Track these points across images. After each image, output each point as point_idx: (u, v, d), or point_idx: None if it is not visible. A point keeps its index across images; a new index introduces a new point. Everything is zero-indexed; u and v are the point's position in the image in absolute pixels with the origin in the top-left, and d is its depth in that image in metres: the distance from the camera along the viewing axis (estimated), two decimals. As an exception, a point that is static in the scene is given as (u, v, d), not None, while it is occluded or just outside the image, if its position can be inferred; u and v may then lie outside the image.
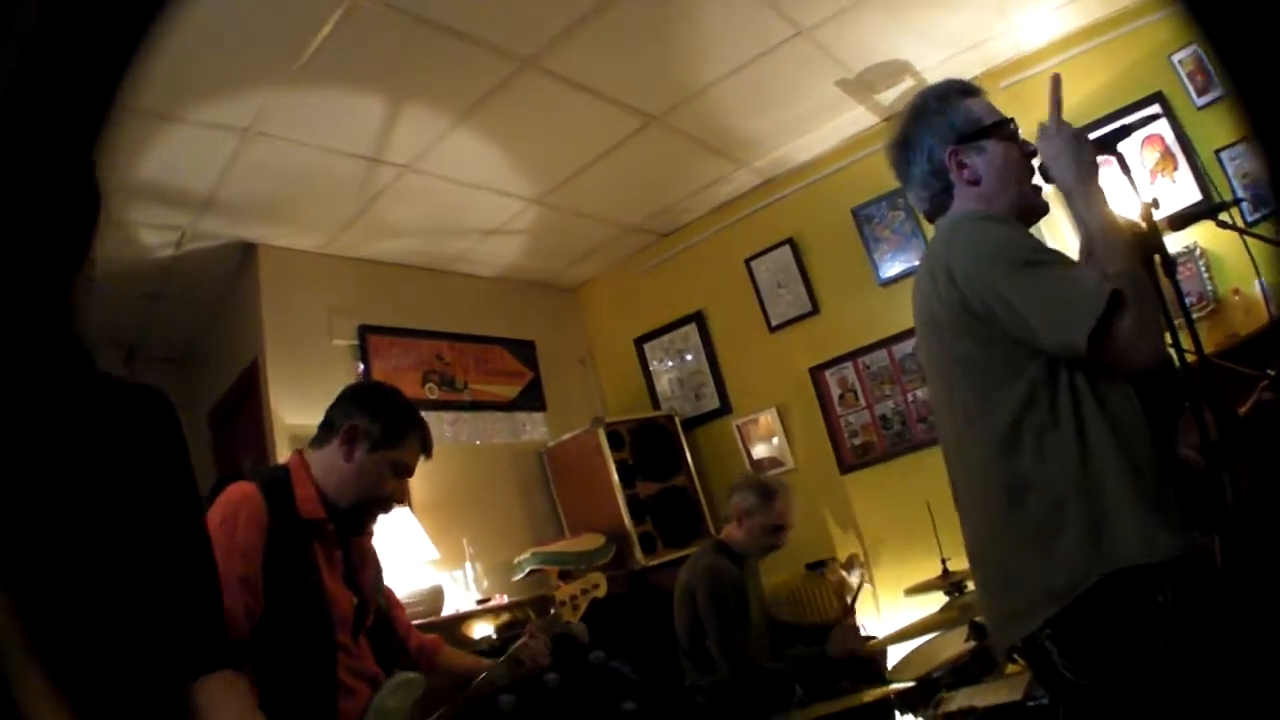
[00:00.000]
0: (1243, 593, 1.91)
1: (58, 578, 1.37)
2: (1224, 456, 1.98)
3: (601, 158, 6.03)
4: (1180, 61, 5.42)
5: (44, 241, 1.35)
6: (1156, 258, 2.11)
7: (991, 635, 2.50)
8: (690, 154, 6.39)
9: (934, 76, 5.45)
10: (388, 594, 3.28)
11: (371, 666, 2.90)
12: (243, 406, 5.96)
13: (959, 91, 2.47)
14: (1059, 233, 5.36)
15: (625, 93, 5.38)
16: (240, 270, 5.99)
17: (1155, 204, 2.17)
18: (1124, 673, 1.94)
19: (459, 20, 4.33)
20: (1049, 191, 2.39)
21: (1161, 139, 5.50)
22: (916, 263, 6.06)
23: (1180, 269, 2.16)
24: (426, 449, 3.13)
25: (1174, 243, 5.01)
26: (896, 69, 5.77)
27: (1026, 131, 2.41)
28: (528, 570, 6.04)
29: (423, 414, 3.21)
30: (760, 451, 7.16)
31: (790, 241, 7.06)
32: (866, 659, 4.67)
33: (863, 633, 4.73)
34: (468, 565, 6.02)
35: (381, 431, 2.97)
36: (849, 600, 4.78)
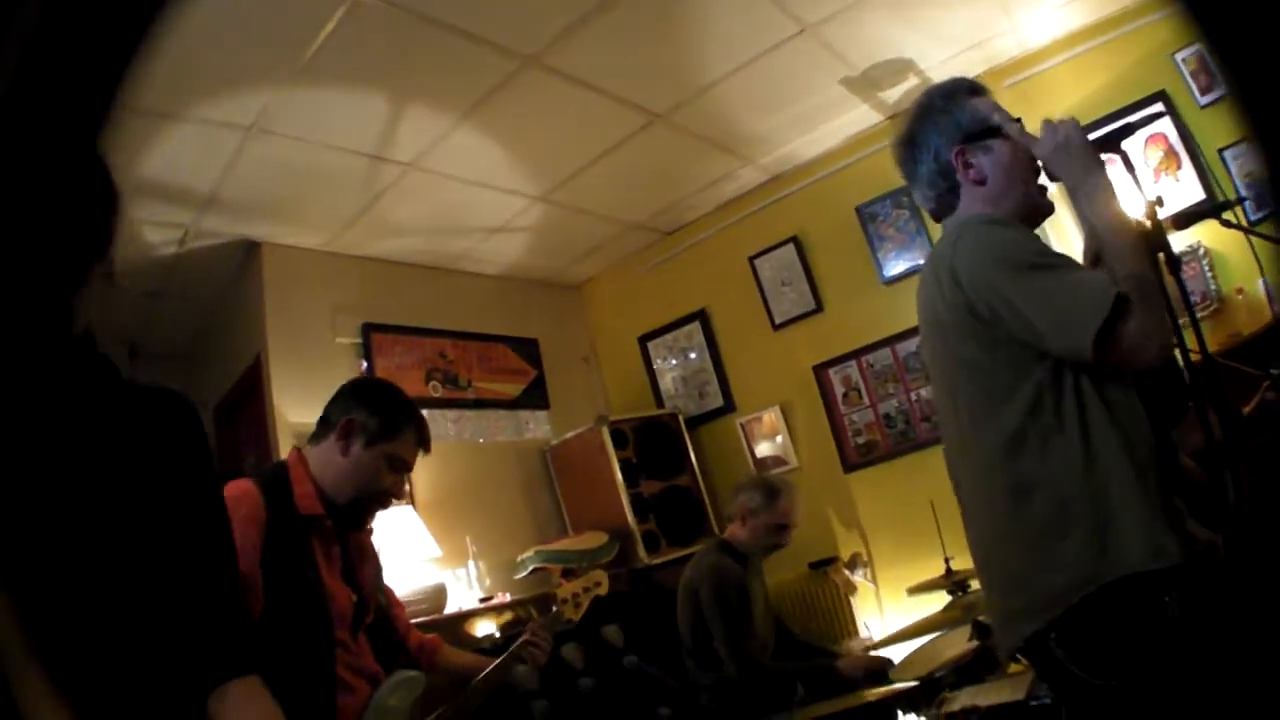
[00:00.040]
0: (1247, 592, 1.91)
1: (81, 582, 1.37)
2: (1228, 456, 1.98)
3: (605, 155, 6.02)
4: (1183, 60, 5.41)
5: (60, 242, 1.34)
6: (1161, 256, 2.11)
7: (996, 635, 2.49)
8: (694, 152, 6.38)
9: (938, 75, 5.45)
10: (387, 592, 3.28)
11: (371, 664, 2.90)
12: (246, 404, 5.96)
13: (966, 90, 2.47)
14: (1064, 233, 5.36)
15: (629, 90, 5.37)
16: (243, 268, 5.99)
17: (1160, 202, 2.17)
18: (1131, 672, 1.94)
19: (462, 18, 4.32)
20: (1053, 191, 2.39)
21: (1165, 138, 5.49)
22: (920, 261, 6.06)
23: (1184, 268, 2.16)
24: (424, 443, 3.13)
25: (1178, 242, 5.00)
26: (901, 67, 5.76)
27: (1032, 130, 2.40)
28: (531, 569, 6.04)
29: (426, 412, 3.21)
30: (764, 450, 7.15)
31: (794, 240, 7.05)
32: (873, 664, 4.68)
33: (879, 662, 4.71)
34: (471, 563, 6.02)
35: (378, 426, 2.97)
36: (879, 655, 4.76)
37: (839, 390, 6.82)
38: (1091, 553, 1.99)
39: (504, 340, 7.27)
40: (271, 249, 5.91)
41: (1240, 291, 5.19)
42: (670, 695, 4.59)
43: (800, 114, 6.20)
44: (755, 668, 4.54)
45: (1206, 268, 5.32)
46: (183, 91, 4.15)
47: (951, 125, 2.40)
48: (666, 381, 7.77)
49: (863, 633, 6.16)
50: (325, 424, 3.03)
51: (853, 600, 6.32)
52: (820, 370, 6.88)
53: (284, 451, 5.15)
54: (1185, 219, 2.68)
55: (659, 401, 7.74)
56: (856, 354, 6.74)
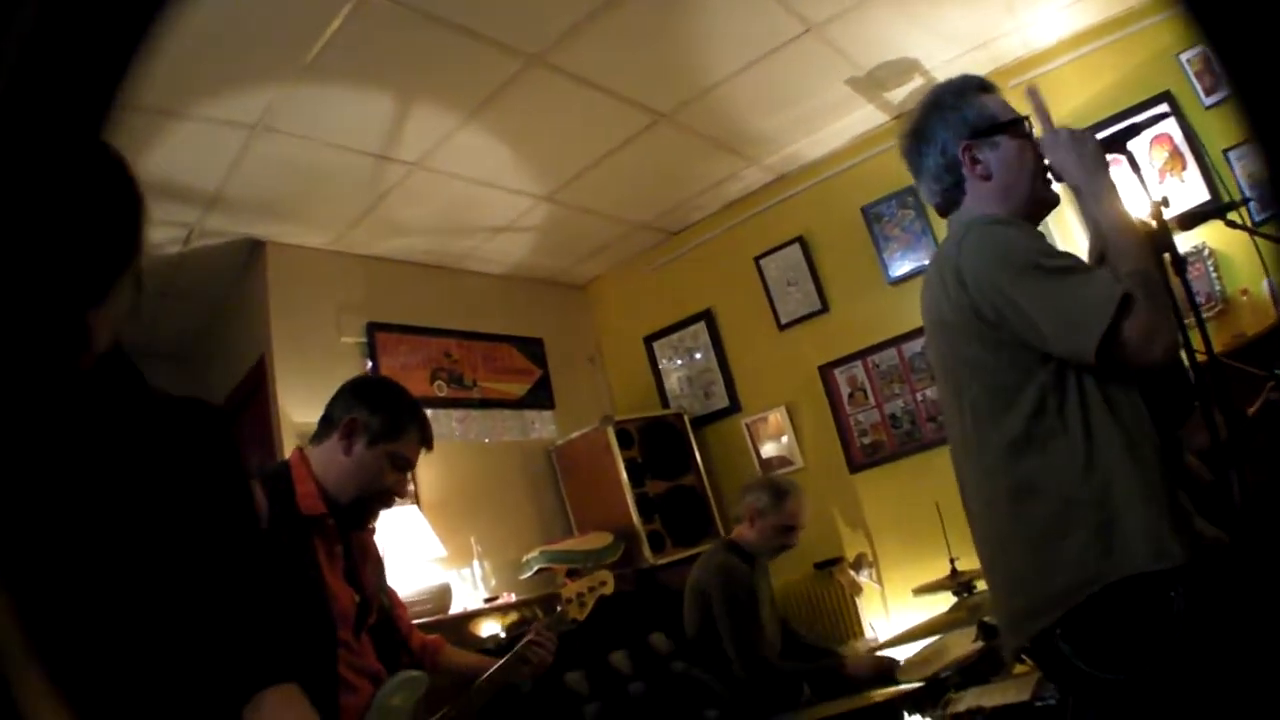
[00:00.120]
0: (1253, 589, 1.91)
1: (114, 593, 1.37)
2: (1234, 456, 1.98)
3: (610, 155, 6.01)
4: (1188, 61, 5.39)
5: (85, 253, 1.34)
6: (1166, 257, 2.11)
7: (1003, 635, 2.50)
8: (699, 151, 6.37)
9: (943, 75, 5.43)
10: (389, 592, 3.27)
11: (373, 663, 2.90)
12: (250, 404, 5.96)
13: (976, 87, 2.48)
14: (1067, 229, 5.35)
15: (634, 90, 5.36)
16: (248, 267, 5.99)
17: (1165, 203, 2.17)
18: (1137, 667, 1.95)
19: (467, 17, 4.32)
20: (1058, 186, 2.39)
21: (1170, 138, 5.48)
22: (926, 262, 6.05)
23: (1189, 269, 2.15)
24: (427, 441, 3.13)
25: (1182, 242, 4.99)
26: (906, 67, 5.76)
27: (1038, 131, 2.40)
28: (536, 569, 6.03)
29: (431, 412, 3.21)
30: (769, 450, 7.15)
31: (800, 240, 7.04)
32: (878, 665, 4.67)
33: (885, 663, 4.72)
34: (475, 563, 6.02)
35: (381, 424, 2.97)
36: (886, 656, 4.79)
37: (844, 390, 6.81)
38: (1095, 553, 1.99)
39: (509, 340, 7.26)
40: (276, 248, 5.90)
41: (1245, 292, 5.18)
42: (717, 699, 4.62)
43: (805, 114, 6.19)
44: (763, 668, 4.54)
45: (1211, 269, 5.31)
46: (187, 90, 4.15)
47: (959, 121, 2.40)
48: (672, 381, 7.76)
49: (868, 633, 6.16)
50: (327, 423, 3.03)
51: (858, 601, 6.31)
52: (826, 370, 6.87)
53: (288, 451, 5.16)
54: (1190, 220, 2.68)
55: (664, 401, 7.73)
56: (862, 354, 6.73)
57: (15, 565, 1.18)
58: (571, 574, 5.59)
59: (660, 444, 7.05)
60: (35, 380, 1.28)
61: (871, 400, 6.69)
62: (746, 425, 7.27)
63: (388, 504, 3.07)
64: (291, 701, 1.63)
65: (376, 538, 3.22)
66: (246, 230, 5.73)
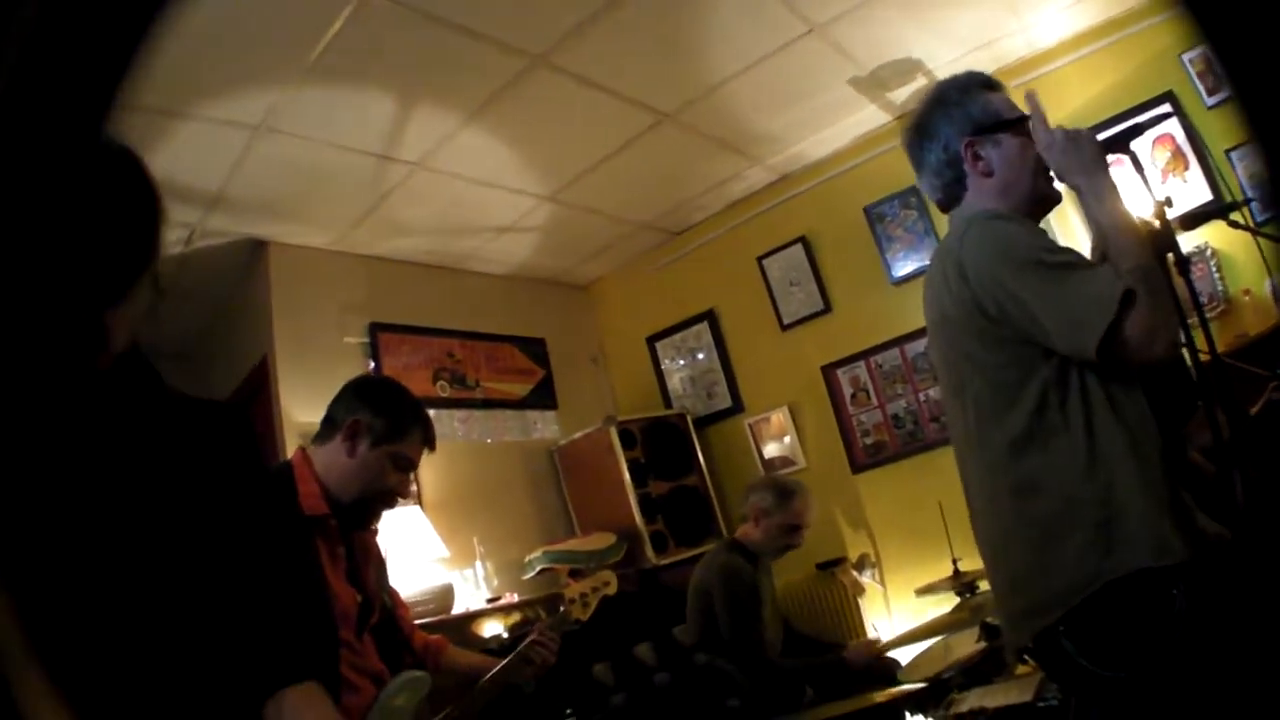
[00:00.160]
0: (1255, 586, 1.91)
1: (120, 592, 1.37)
2: (1238, 456, 1.98)
3: (613, 155, 6.01)
4: (1190, 61, 5.39)
5: (101, 254, 1.34)
6: (1170, 256, 2.11)
7: (1005, 634, 2.50)
8: (702, 151, 6.37)
9: (946, 75, 5.44)
10: (391, 593, 3.27)
11: (376, 663, 2.90)
12: (253, 404, 5.96)
13: (980, 84, 2.48)
14: (1069, 225, 5.34)
15: (637, 90, 5.36)
16: (250, 267, 5.99)
17: (1169, 203, 2.16)
18: (1140, 664, 1.95)
19: (470, 17, 4.32)
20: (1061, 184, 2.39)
21: (1172, 138, 5.47)
22: (929, 262, 6.05)
23: (1192, 269, 2.15)
24: (429, 442, 3.13)
25: (1185, 242, 4.99)
26: (909, 67, 5.75)
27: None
28: (538, 569, 6.03)
29: (433, 412, 3.21)
30: (772, 450, 7.15)
31: (802, 240, 7.04)
32: (880, 665, 4.67)
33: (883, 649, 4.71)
34: (478, 564, 6.02)
35: (384, 426, 2.97)
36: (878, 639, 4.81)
37: (847, 391, 6.81)
38: (1097, 551, 2.00)
39: (512, 340, 7.27)
40: (278, 248, 5.91)
41: (1247, 293, 5.18)
42: (739, 689, 4.64)
43: (808, 114, 6.19)
44: (765, 668, 4.54)
45: (1214, 269, 5.31)
46: (189, 90, 4.15)
47: (963, 116, 2.41)
48: (674, 382, 7.76)
49: (870, 634, 6.15)
50: (330, 424, 3.03)
51: (861, 601, 6.31)
52: (828, 371, 6.87)
53: (291, 451, 5.15)
54: (1193, 220, 2.68)
55: (667, 402, 7.73)
56: (865, 354, 6.73)
57: (20, 564, 1.18)
58: (574, 574, 5.60)
59: (663, 444, 7.04)
60: (53, 380, 1.28)
61: (874, 400, 6.69)
62: (749, 425, 7.27)
63: (390, 505, 3.08)
64: (313, 700, 1.63)
65: (378, 538, 3.22)
66: (249, 230, 5.73)
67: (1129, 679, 1.96)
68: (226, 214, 5.38)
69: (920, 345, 6.32)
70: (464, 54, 4.54)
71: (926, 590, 4.73)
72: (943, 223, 2.54)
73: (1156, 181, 5.39)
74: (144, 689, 1.36)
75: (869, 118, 6.42)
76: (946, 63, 5.68)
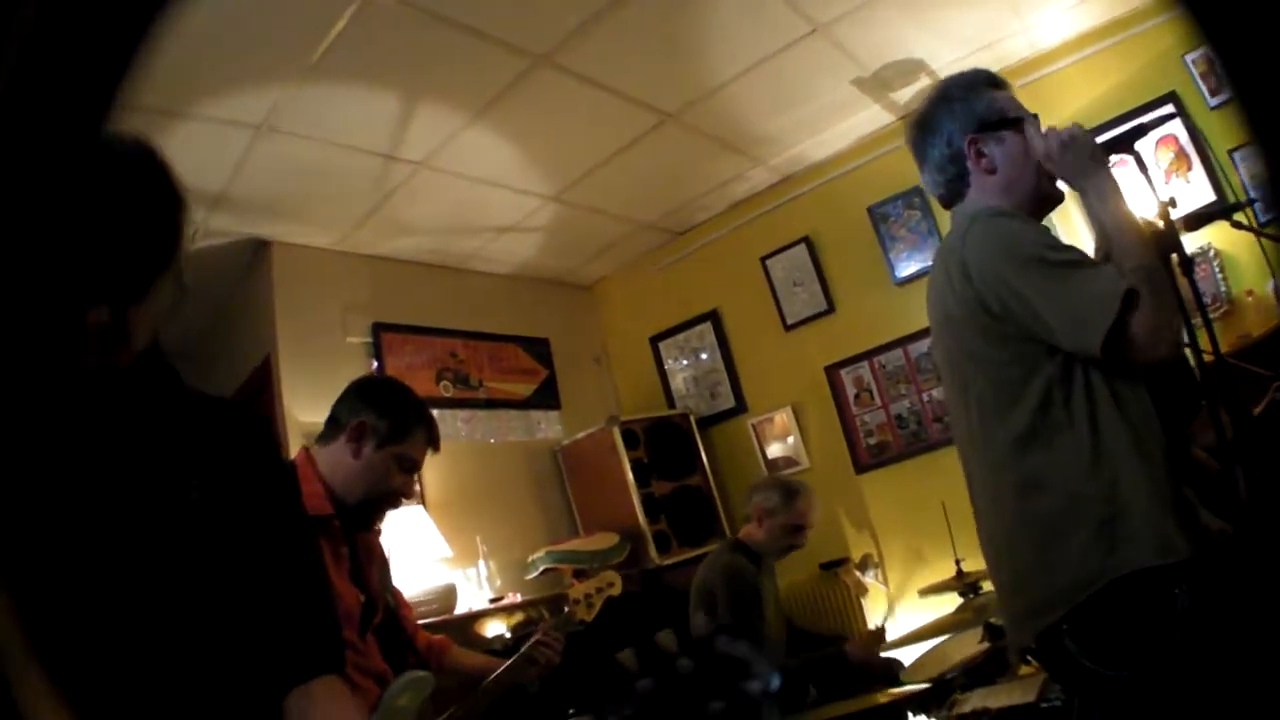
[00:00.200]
0: (1258, 585, 1.91)
1: (125, 591, 1.37)
2: (1242, 455, 1.98)
3: (616, 155, 6.01)
4: (1193, 62, 5.38)
5: (121, 252, 1.34)
6: (1174, 257, 2.10)
7: (1009, 632, 2.50)
8: (706, 151, 6.37)
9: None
10: (395, 593, 3.28)
11: (379, 664, 2.90)
12: (255, 404, 5.96)
13: (985, 82, 2.48)
14: (1071, 223, 5.34)
15: (641, 90, 5.36)
16: (253, 267, 5.99)
17: (1173, 203, 2.16)
18: (1142, 664, 1.95)
19: (474, 17, 4.32)
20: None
21: (1175, 139, 5.47)
22: (932, 262, 6.05)
23: (1195, 269, 2.15)
24: (434, 443, 3.13)
25: (1188, 243, 4.99)
26: (912, 67, 5.75)
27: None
28: (541, 569, 6.04)
29: (437, 412, 3.22)
30: (775, 451, 7.14)
31: (806, 240, 7.04)
32: (883, 665, 4.67)
33: (885, 637, 4.71)
34: (481, 564, 6.01)
35: (389, 428, 2.97)
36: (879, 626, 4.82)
37: (851, 391, 6.81)
38: (1101, 549, 1.99)
39: (515, 340, 7.26)
40: (281, 248, 5.91)
41: (1250, 293, 5.17)
42: (758, 673, 4.66)
43: (811, 114, 6.19)
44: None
45: (1217, 269, 5.30)
46: (192, 90, 4.14)
47: (967, 113, 2.41)
48: (678, 382, 7.76)
49: (872, 626, 6.15)
50: (334, 424, 3.03)
51: (864, 601, 6.31)
52: (832, 371, 6.87)
53: (294, 451, 5.15)
54: (1196, 220, 2.67)
55: (670, 402, 7.73)
56: (868, 355, 6.73)
57: (21, 564, 1.18)
58: (579, 575, 5.60)
59: (666, 444, 7.04)
60: (69, 378, 1.28)
61: (877, 401, 6.69)
62: (752, 425, 7.27)
63: (395, 505, 3.09)
64: (336, 693, 1.64)
65: (381, 538, 3.22)
66: (252, 230, 5.73)
67: (1131, 678, 1.96)
68: (229, 214, 5.38)
69: (923, 346, 6.31)
70: (468, 53, 4.54)
71: (929, 590, 4.73)
72: (946, 223, 2.54)
73: (1160, 182, 5.39)
74: (145, 688, 1.37)
75: (872, 118, 6.42)
76: (949, 63, 5.67)
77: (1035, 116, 2.43)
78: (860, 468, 6.74)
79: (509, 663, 3.29)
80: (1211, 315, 4.96)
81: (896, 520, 6.48)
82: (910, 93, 6.01)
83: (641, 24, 4.66)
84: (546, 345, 7.53)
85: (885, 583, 6.43)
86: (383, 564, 3.18)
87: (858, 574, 6.39)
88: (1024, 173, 2.34)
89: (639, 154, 6.04)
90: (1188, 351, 2.09)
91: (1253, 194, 5.04)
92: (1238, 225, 2.55)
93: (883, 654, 4.71)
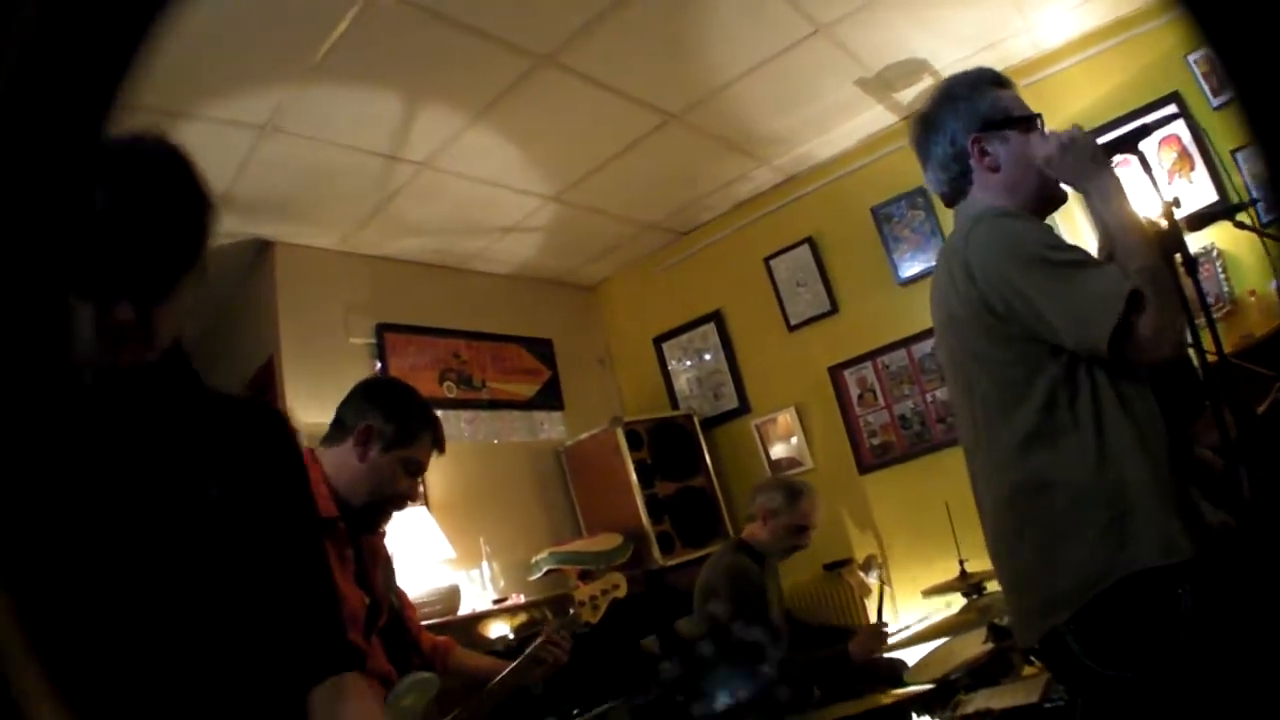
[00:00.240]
0: (1260, 585, 1.91)
1: (131, 590, 1.37)
2: (1246, 455, 1.97)
3: (620, 155, 6.01)
4: (1196, 62, 5.37)
5: (145, 253, 1.34)
6: (1178, 257, 2.10)
7: (1014, 632, 2.49)
8: (709, 152, 6.37)
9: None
10: (399, 594, 3.28)
11: (384, 665, 2.90)
12: (258, 405, 5.96)
13: (989, 81, 2.48)
14: (1076, 230, 5.33)
15: (644, 90, 5.36)
16: (256, 268, 5.98)
17: (1176, 203, 2.16)
18: (1146, 665, 1.95)
19: (476, 17, 4.32)
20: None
21: (1178, 139, 5.47)
22: (935, 262, 6.05)
23: (1198, 269, 2.15)
24: (439, 445, 3.13)
25: (1191, 243, 4.99)
26: (915, 68, 5.75)
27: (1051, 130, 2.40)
28: (545, 570, 6.04)
29: (440, 413, 3.21)
30: (779, 451, 7.14)
31: (809, 240, 7.04)
32: (887, 666, 4.67)
33: (887, 635, 4.71)
34: (484, 564, 6.01)
35: (395, 432, 2.96)
36: (878, 612, 4.82)
37: (854, 391, 6.81)
38: (1106, 549, 1.99)
39: (518, 341, 7.26)
40: (284, 248, 5.91)
41: (1253, 293, 5.17)
42: (773, 658, 4.69)
43: (815, 114, 6.19)
44: (768, 668, 4.54)
45: (1220, 269, 5.30)
46: (194, 90, 4.14)
47: (971, 112, 2.40)
48: (681, 382, 7.76)
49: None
50: (340, 427, 3.02)
51: (867, 602, 6.30)
52: (835, 371, 6.87)
53: (298, 452, 5.15)
54: (1199, 220, 2.67)
55: (674, 402, 7.73)
56: (872, 355, 6.73)
57: (22, 564, 1.18)
58: (584, 576, 5.60)
59: (669, 445, 7.04)
60: (96, 374, 1.29)
61: (881, 401, 6.68)
62: (756, 426, 7.27)
63: (400, 508, 3.08)
64: (361, 689, 1.64)
65: (385, 539, 3.22)
66: (255, 230, 5.73)
67: (1134, 679, 1.96)
68: (232, 214, 5.38)
69: (927, 346, 6.31)
70: (470, 53, 4.54)
71: (933, 591, 4.72)
72: (949, 223, 2.54)
73: (1163, 182, 5.38)
74: (161, 686, 1.37)
75: (875, 118, 6.41)
76: (952, 63, 5.67)
77: (1039, 116, 2.43)
78: (864, 468, 6.74)
79: (514, 664, 3.29)
80: (1214, 315, 4.99)
81: (900, 521, 6.47)
82: (913, 93, 6.01)
83: (644, 24, 4.65)
84: (550, 346, 7.53)
85: (889, 583, 6.42)
86: (387, 565, 3.18)
87: (861, 574, 6.38)
88: (1028, 172, 2.34)
89: (642, 154, 6.04)
90: (1191, 352, 2.09)
91: (1255, 194, 5.04)
92: (1240, 225, 2.55)
93: (886, 654, 4.71)
